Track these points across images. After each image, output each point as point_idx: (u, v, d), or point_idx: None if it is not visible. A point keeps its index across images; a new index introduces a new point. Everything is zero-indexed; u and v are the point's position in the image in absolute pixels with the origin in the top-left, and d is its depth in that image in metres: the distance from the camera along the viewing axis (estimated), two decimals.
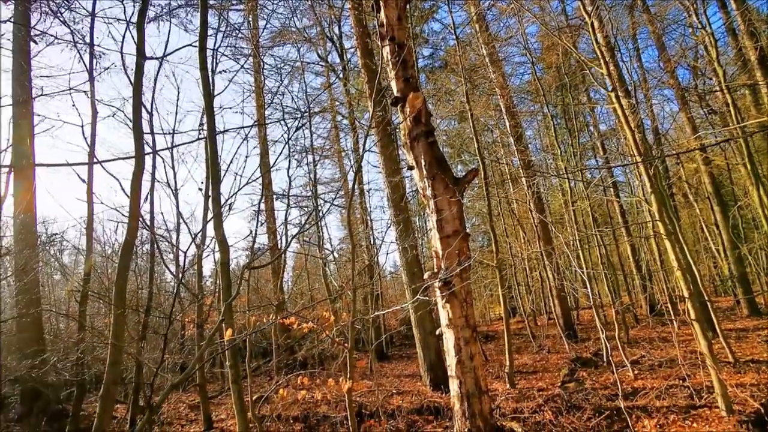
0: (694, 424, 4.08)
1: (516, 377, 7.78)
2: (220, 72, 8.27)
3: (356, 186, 14.25)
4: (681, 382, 5.46)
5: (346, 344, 3.45)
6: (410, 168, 4.70)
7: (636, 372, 6.61)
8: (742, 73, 10.57)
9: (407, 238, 7.10)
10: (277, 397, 5.35)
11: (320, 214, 8.87)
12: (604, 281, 12.93)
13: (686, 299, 4.30)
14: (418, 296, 2.84)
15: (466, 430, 4.00)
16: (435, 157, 4.47)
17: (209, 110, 3.40)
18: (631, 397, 5.21)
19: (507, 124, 12.48)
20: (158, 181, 8.38)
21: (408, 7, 5.49)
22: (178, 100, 9.30)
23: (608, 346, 7.72)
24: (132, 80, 4.09)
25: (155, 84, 8.14)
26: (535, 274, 16.91)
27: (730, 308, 13.52)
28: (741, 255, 12.52)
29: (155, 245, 8.22)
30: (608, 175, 14.77)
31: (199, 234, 7.27)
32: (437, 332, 4.46)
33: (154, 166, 7.72)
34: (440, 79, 15.28)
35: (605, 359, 7.65)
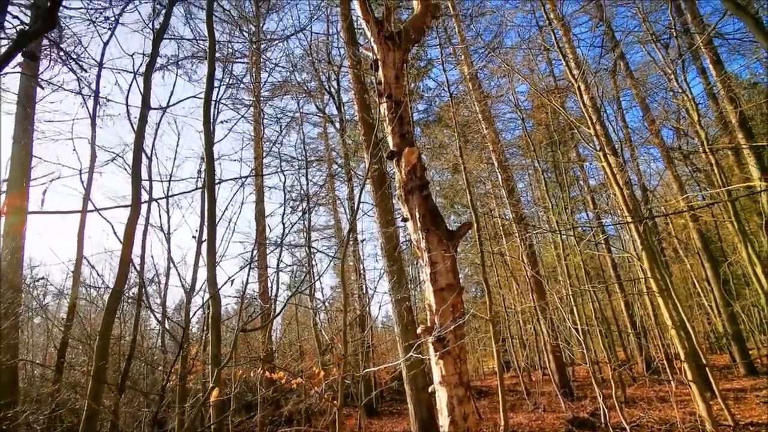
0: None
1: None
2: (220, 122, 8.50)
3: (350, 238, 14.27)
4: None
5: (335, 401, 3.31)
6: (404, 220, 4.74)
7: None
8: (724, 135, 11.04)
9: (400, 290, 7.03)
10: None
11: (313, 263, 8.81)
12: (599, 337, 12.75)
13: (682, 359, 4.23)
14: (410, 354, 2.77)
15: None
16: (429, 210, 4.53)
17: (209, 165, 3.47)
18: None
19: (499, 177, 12.79)
20: (151, 225, 8.37)
21: (405, 66, 5.78)
22: (177, 146, 9.47)
23: (605, 406, 7.49)
24: (135, 129, 4.19)
25: (156, 131, 8.31)
26: (529, 328, 16.64)
27: (726, 366, 13.30)
28: (734, 312, 12.49)
29: (143, 290, 8.06)
30: (600, 230, 14.97)
31: (189, 280, 7.16)
32: (429, 389, 4.31)
33: (148, 211, 7.72)
34: (434, 132, 15.78)
35: (603, 420, 7.40)
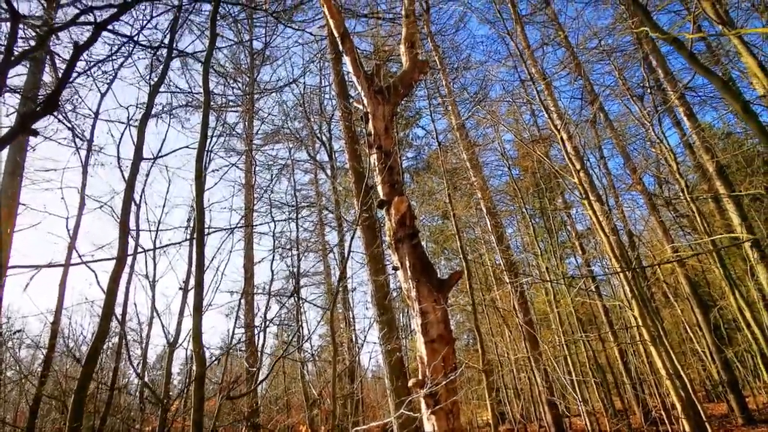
0: None
1: None
2: (212, 171, 8.59)
3: (340, 286, 14.12)
4: None
5: None
6: (395, 269, 4.72)
7: None
8: (703, 182, 11.43)
9: (391, 339, 6.88)
10: None
11: (301, 312, 8.63)
12: (594, 386, 12.47)
13: (679, 411, 4.14)
14: (401, 411, 2.68)
15: None
16: (419, 259, 4.53)
17: (200, 219, 3.47)
18: None
19: (488, 223, 12.93)
20: (137, 273, 8.20)
21: (394, 119, 5.98)
22: (167, 194, 9.48)
23: None
24: (126, 179, 4.20)
25: (146, 179, 8.35)
26: (523, 377, 16.23)
27: (724, 416, 12.98)
28: (727, 359, 12.38)
29: (123, 341, 7.77)
30: (589, 277, 15.04)
31: (173, 332, 6.94)
32: None
33: (134, 260, 7.60)
34: (424, 179, 16.08)
35: None
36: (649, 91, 8.42)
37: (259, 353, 7.98)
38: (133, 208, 7.77)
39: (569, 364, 9.47)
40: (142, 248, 6.15)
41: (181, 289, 6.68)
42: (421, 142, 19.47)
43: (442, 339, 4.22)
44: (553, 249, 13.03)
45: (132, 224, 7.33)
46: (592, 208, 5.53)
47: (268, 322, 7.65)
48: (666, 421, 10.80)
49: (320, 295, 17.95)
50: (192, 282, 6.11)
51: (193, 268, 4.40)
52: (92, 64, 5.85)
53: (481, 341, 7.12)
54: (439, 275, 4.73)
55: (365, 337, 12.76)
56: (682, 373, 6.77)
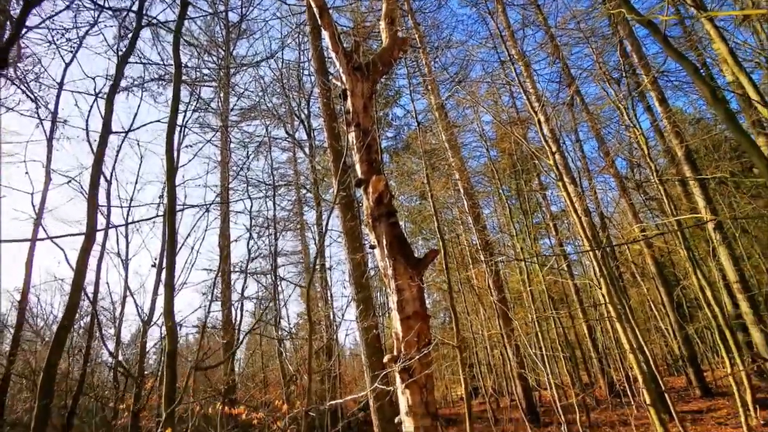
0: None
1: None
2: (186, 147, 8.34)
3: (317, 264, 14.12)
4: None
5: None
6: (372, 247, 4.75)
7: None
8: (672, 166, 11.78)
9: (367, 317, 6.97)
10: None
11: (279, 291, 8.62)
12: (563, 361, 12.99)
13: (640, 383, 4.37)
14: (376, 384, 2.74)
15: None
16: (396, 237, 4.56)
17: (171, 193, 3.38)
18: None
19: (465, 204, 13.07)
20: (108, 252, 8.00)
21: (374, 97, 5.91)
22: (139, 171, 9.20)
23: (570, 430, 7.57)
24: (94, 152, 4.05)
25: (117, 154, 8.07)
26: (496, 353, 16.76)
27: (683, 388, 13.75)
28: (688, 335, 13.03)
29: (95, 320, 7.63)
30: (562, 257, 15.46)
31: (147, 310, 6.84)
32: (396, 420, 4.24)
33: (105, 237, 7.41)
34: (402, 159, 16.06)
35: None
36: (624, 74, 8.55)
37: (236, 330, 7.98)
38: (103, 183, 7.54)
39: (540, 341, 9.80)
40: (112, 224, 5.98)
41: (153, 266, 6.57)
42: (400, 122, 19.36)
43: (417, 316, 4.29)
44: (527, 230, 13.32)
45: (102, 200, 7.12)
46: (566, 190, 5.65)
47: (244, 300, 7.62)
48: (629, 393, 11.37)
49: (298, 273, 17.93)
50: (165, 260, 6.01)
51: (165, 248, 4.32)
52: (55, 31, 5.55)
53: (456, 319, 7.28)
54: (416, 254, 4.80)
55: (343, 315, 12.86)
56: (645, 348, 7.11)
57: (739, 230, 10.02)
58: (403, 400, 4.11)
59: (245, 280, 9.29)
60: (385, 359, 4.32)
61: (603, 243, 7.87)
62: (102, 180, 7.63)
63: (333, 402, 4.78)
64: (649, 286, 16.16)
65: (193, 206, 6.13)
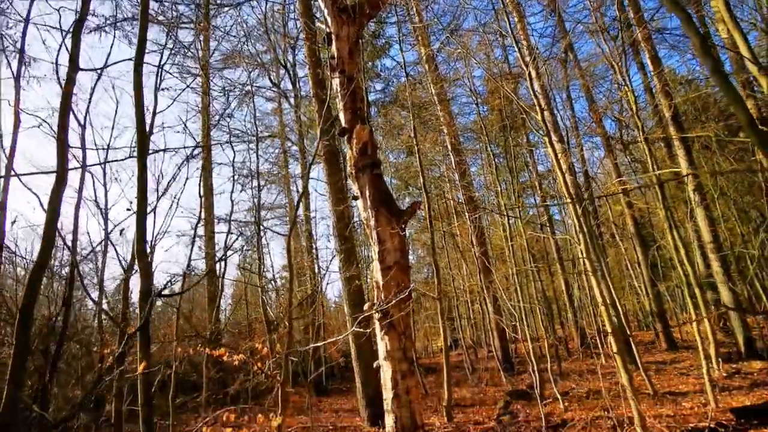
0: None
1: (454, 411, 7.78)
2: (164, 89, 7.98)
3: (300, 212, 14.08)
4: (605, 413, 5.71)
5: (278, 377, 3.30)
6: (355, 198, 4.72)
7: (566, 404, 6.85)
8: (658, 128, 11.78)
9: (350, 268, 7.05)
10: None
11: (262, 239, 8.62)
12: (539, 315, 13.52)
13: (609, 333, 4.56)
14: (354, 327, 2.79)
15: None
16: (379, 189, 4.52)
17: (141, 130, 3.25)
18: (560, 429, 5.38)
19: (452, 160, 12.98)
20: (87, 200, 7.82)
21: (360, 42, 5.66)
22: (116, 115, 8.85)
23: (541, 379, 7.99)
24: (62, 88, 3.84)
25: (91, 96, 7.71)
26: (476, 308, 17.32)
27: (650, 342, 14.48)
28: (659, 292, 13.58)
29: (75, 268, 7.56)
30: (544, 212, 15.68)
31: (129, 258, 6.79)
32: (375, 365, 4.39)
33: (82, 182, 7.21)
34: (391, 113, 15.73)
35: (538, 392, 7.89)
36: (620, 30, 8.31)
37: (219, 279, 8.03)
38: (77, 128, 7.25)
39: (519, 295, 10.12)
40: (82, 164, 5.80)
41: (128, 209, 6.46)
42: (389, 74, 18.78)
43: (397, 266, 4.34)
44: (513, 188, 13.39)
45: (77, 143, 6.87)
46: (552, 146, 5.62)
47: (228, 249, 7.62)
48: (599, 345, 11.96)
49: (283, 227, 17.90)
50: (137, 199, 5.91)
51: (137, 189, 4.21)
52: None
53: (437, 272, 7.43)
54: (399, 206, 4.78)
55: (327, 267, 13.02)
56: (617, 303, 7.39)
57: (718, 192, 10.19)
58: (382, 346, 4.23)
59: (229, 229, 9.23)
60: (365, 306, 4.40)
61: (584, 199, 7.96)
62: (75, 123, 7.34)
63: (313, 345, 4.91)
64: (627, 246, 16.62)
65: (170, 150, 5.96)
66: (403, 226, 4.46)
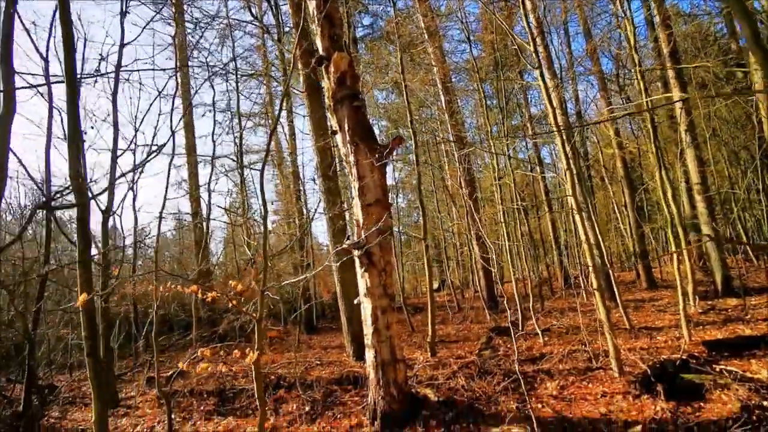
0: (590, 384, 4.41)
1: (438, 346, 8.04)
2: (129, 13, 7.32)
3: (288, 157, 13.74)
4: (582, 347, 5.90)
5: (254, 314, 3.26)
6: (333, 133, 4.50)
7: (546, 339, 7.07)
8: (657, 64, 11.35)
9: (334, 208, 6.93)
10: (194, 372, 4.98)
11: (245, 181, 8.40)
12: (524, 255, 13.75)
13: (590, 270, 4.57)
14: (328, 261, 2.70)
15: (380, 398, 4.01)
16: (359, 122, 4.30)
17: (67, 50, 2.91)
18: (538, 362, 5.56)
19: (442, 99, 12.51)
20: (56, 137, 7.45)
21: None
22: (85, 47, 8.19)
23: (524, 316, 8.22)
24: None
25: (51, 27, 7.08)
26: (465, 250, 17.53)
27: (632, 282, 14.90)
28: (644, 233, 13.79)
29: (50, 204, 7.36)
30: (534, 155, 15.50)
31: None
32: (355, 301, 4.39)
33: (50, 119, 6.81)
34: (379, 49, 14.94)
35: (521, 328, 8.14)
36: None
37: (206, 219, 7.90)
38: (39, 61, 6.72)
39: (506, 236, 10.18)
40: (48, 99, 5.42)
41: (92, 128, 6.11)
42: (377, 8, 17.63)
43: (378, 203, 4.22)
44: (504, 130, 13.08)
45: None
46: (543, 78, 5.33)
47: (212, 192, 7.41)
48: (582, 284, 12.28)
49: (269, 170, 17.53)
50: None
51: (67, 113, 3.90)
52: None
53: (423, 212, 7.37)
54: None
55: (315, 208, 12.89)
56: (601, 243, 7.44)
57: (710, 132, 10.05)
58: (362, 283, 4.22)
59: (212, 172, 8.97)
60: (345, 244, 4.33)
61: (574, 135, 7.76)
62: (38, 57, 6.81)
63: (292, 281, 4.88)
64: (615, 190, 16.69)
65: (143, 70, 5.55)
66: (384, 161, 4.29)
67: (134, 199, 8.09)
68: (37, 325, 6.93)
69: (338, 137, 4.46)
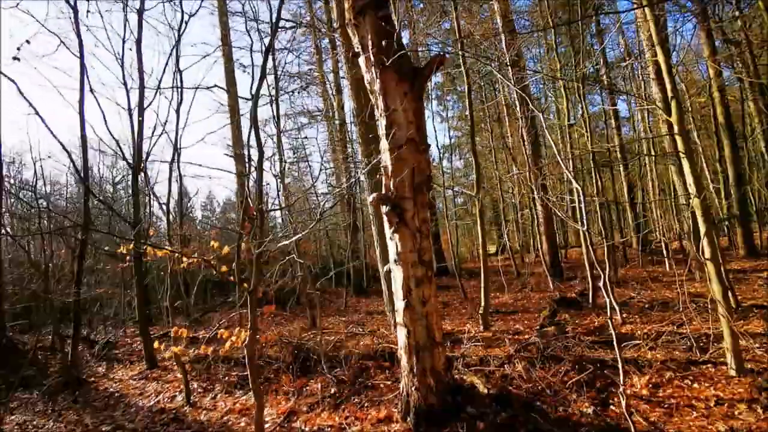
0: (695, 384, 3.31)
1: (493, 317, 7.13)
2: None
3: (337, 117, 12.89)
4: (676, 329, 4.72)
5: (245, 283, 2.53)
6: (355, 56, 3.54)
7: (624, 315, 5.90)
8: None
9: (373, 157, 6.04)
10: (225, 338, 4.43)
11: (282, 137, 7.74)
12: (597, 220, 12.18)
13: (702, 234, 3.38)
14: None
15: (413, 389, 3.21)
16: (386, 37, 3.29)
17: None
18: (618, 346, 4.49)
19: (504, 39, 10.84)
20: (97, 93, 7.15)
21: None
22: None
23: (595, 285, 7.01)
24: None
25: None
26: (526, 213, 16.11)
27: (725, 248, 12.87)
28: (744, 193, 11.69)
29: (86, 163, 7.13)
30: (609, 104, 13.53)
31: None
32: (385, 269, 3.56)
33: (82, 75, 6.43)
34: None
35: (590, 300, 6.97)
36: None
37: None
38: (69, 10, 6.28)
39: (574, 198, 8.80)
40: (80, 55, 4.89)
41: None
42: None
43: (411, 144, 3.26)
44: (576, 80, 11.24)
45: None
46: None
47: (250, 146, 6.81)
48: (665, 251, 10.65)
49: (322, 132, 16.85)
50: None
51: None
52: None
53: (476, 164, 6.28)
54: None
55: (362, 170, 12.09)
56: (708, 200, 5.97)
57: None
58: (392, 246, 3.35)
59: (250, 129, 8.35)
60: (370, 198, 3.46)
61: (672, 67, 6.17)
62: (67, 7, 6.37)
63: (284, 243, 4.17)
64: (706, 144, 14.34)
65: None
66: (419, 89, 3.29)
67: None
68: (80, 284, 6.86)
69: (361, 61, 3.50)
